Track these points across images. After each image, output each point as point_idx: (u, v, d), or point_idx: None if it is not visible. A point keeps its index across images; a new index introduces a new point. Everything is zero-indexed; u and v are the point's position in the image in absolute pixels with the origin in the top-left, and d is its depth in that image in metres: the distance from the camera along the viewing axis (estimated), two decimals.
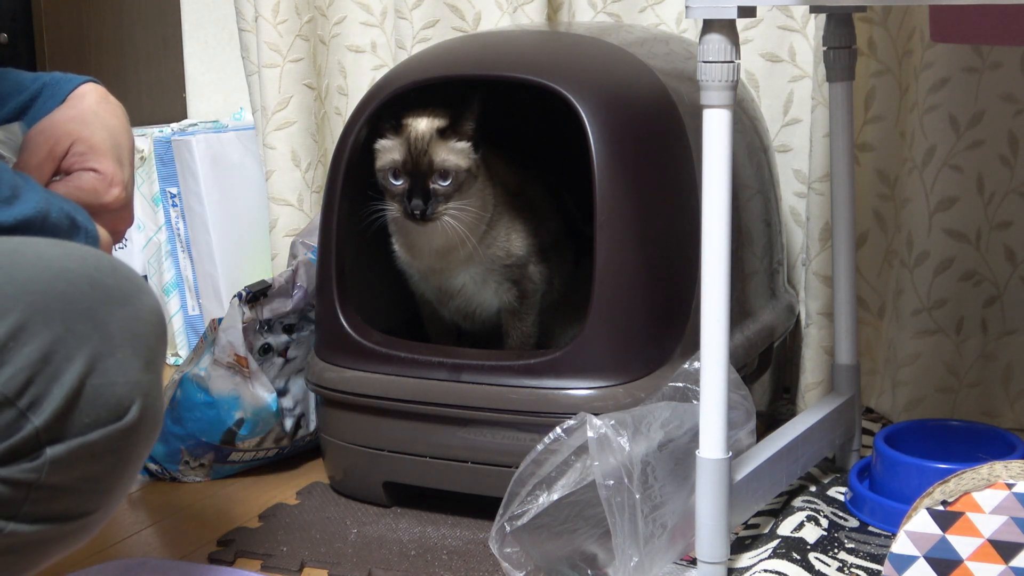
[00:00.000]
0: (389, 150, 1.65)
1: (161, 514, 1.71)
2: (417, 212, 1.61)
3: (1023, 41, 1.61)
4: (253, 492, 1.77)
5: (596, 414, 1.37)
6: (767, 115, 2.01)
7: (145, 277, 2.29)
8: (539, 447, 1.39)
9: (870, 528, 1.57)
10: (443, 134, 1.63)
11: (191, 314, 2.30)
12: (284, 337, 1.83)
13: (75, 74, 1.26)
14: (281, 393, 1.81)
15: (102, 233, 1.15)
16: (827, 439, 1.69)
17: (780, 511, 1.60)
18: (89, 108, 1.22)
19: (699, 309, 1.38)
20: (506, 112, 1.75)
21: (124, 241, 2.29)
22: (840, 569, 1.45)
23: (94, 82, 1.26)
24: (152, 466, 1.82)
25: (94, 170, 1.18)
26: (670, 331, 1.61)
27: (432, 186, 1.62)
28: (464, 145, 1.64)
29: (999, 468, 1.23)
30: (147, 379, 1.01)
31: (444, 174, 1.62)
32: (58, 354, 0.96)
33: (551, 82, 1.59)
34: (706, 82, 1.33)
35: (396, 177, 1.63)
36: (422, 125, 1.63)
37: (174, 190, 2.24)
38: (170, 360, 2.33)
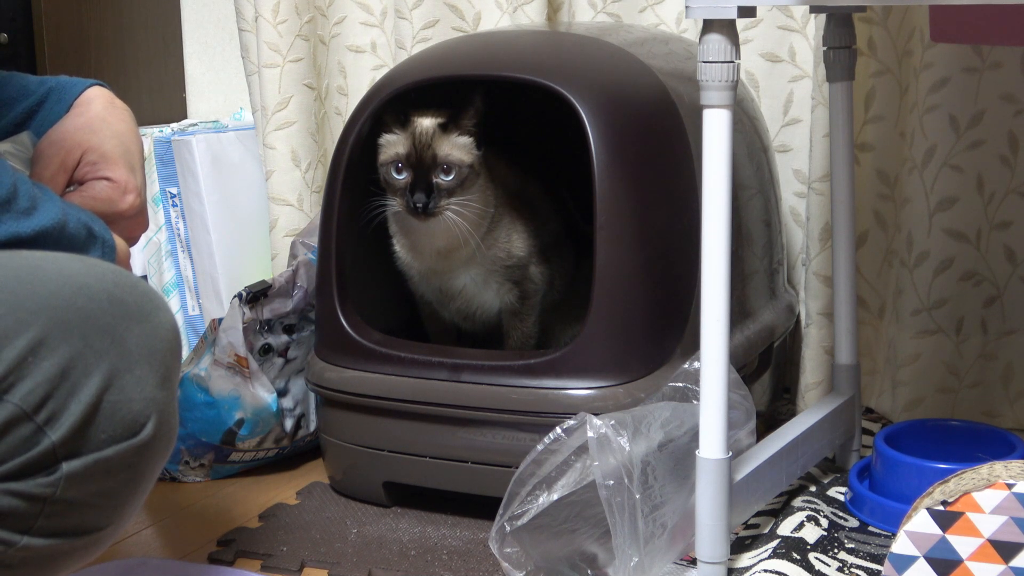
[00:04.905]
0: (393, 144, 1.65)
1: (161, 514, 1.71)
2: (419, 205, 1.61)
3: (1023, 41, 1.61)
4: (253, 492, 1.78)
5: (596, 414, 1.37)
6: (767, 115, 2.01)
7: (145, 277, 2.28)
8: (539, 447, 1.39)
9: (870, 528, 1.57)
10: (446, 129, 1.63)
11: (191, 314, 2.29)
12: (284, 337, 1.83)
13: (79, 77, 1.26)
14: (281, 393, 1.81)
15: (119, 241, 1.15)
16: (827, 439, 1.69)
17: (780, 511, 1.60)
18: (97, 115, 1.22)
19: (699, 309, 1.38)
20: (506, 112, 1.75)
21: None
22: (840, 569, 1.45)
23: (100, 85, 1.26)
24: None
25: (107, 179, 1.18)
26: (670, 331, 1.61)
27: (435, 180, 1.62)
28: (467, 140, 1.64)
29: (999, 468, 1.23)
30: (162, 395, 1.01)
31: (447, 169, 1.62)
32: (76, 369, 0.96)
33: (551, 82, 1.59)
34: (706, 82, 1.33)
35: (399, 172, 1.63)
36: (427, 120, 1.64)
37: (174, 190, 2.24)
38: None
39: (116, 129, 1.21)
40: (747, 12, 1.32)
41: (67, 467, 0.97)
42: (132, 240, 1.21)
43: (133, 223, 1.20)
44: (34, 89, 1.24)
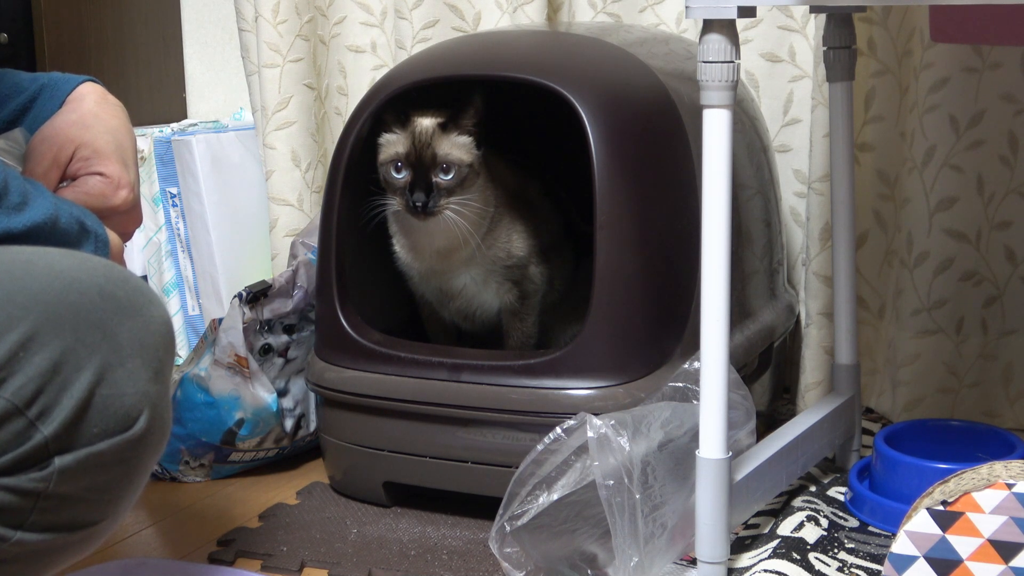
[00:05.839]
0: (393, 143, 1.65)
1: (161, 514, 1.71)
2: (419, 204, 1.61)
3: (1023, 41, 1.61)
4: (253, 492, 1.78)
5: (596, 414, 1.37)
6: (767, 115, 2.01)
7: (145, 277, 2.28)
8: (539, 447, 1.39)
9: (870, 528, 1.57)
10: (445, 128, 1.63)
11: (191, 314, 2.29)
12: (284, 337, 1.83)
13: (73, 74, 1.26)
14: (281, 393, 1.81)
15: (112, 236, 1.15)
16: (827, 439, 1.69)
17: (780, 511, 1.60)
18: (89, 111, 1.22)
19: (699, 309, 1.38)
20: (506, 112, 1.75)
21: None
22: (840, 569, 1.45)
23: (92, 81, 1.26)
24: None
25: (100, 174, 1.18)
26: (670, 331, 1.61)
27: (434, 179, 1.62)
28: (466, 140, 1.64)
29: (999, 468, 1.23)
30: (155, 389, 1.01)
31: (447, 168, 1.62)
32: (68, 364, 0.96)
33: (551, 82, 1.59)
34: (706, 82, 1.33)
35: (399, 171, 1.63)
36: (427, 120, 1.64)
37: (174, 190, 2.24)
38: None
39: (109, 125, 1.21)
40: (747, 12, 1.32)
41: (60, 462, 0.97)
42: (126, 235, 1.20)
43: (126, 218, 1.20)
44: (27, 86, 1.24)
